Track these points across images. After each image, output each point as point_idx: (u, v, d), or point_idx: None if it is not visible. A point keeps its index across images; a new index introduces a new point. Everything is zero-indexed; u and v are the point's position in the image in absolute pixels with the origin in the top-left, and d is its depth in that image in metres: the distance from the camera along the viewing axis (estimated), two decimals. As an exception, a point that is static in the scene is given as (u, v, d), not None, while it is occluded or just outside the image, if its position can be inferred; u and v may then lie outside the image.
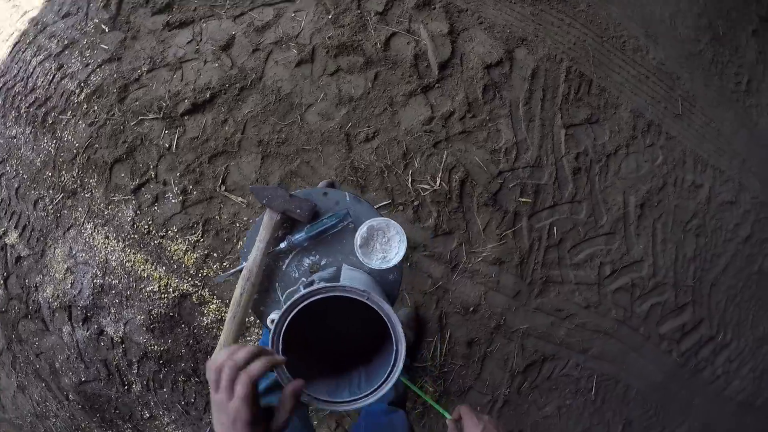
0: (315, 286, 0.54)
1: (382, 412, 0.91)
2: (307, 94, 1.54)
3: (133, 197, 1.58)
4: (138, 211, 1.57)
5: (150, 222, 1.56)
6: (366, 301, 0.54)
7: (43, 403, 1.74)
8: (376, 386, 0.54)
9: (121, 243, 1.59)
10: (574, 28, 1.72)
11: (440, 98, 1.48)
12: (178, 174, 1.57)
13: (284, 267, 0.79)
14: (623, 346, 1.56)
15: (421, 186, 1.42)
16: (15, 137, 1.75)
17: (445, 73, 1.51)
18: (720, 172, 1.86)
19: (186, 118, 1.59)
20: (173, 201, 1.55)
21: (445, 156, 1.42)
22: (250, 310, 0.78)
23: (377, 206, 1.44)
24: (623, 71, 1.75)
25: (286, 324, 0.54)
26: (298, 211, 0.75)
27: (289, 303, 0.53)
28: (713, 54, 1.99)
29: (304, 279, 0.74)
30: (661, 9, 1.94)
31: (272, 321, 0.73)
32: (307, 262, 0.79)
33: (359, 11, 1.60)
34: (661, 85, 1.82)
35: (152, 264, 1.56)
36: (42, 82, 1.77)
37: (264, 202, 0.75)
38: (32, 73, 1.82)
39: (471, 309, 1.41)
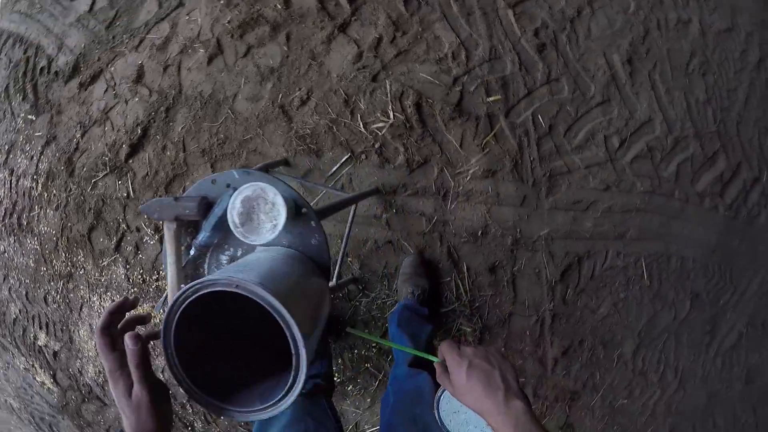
0: (183, 290, 0.44)
1: (406, 377, 0.84)
2: (228, 86, 1.42)
3: (118, 254, 1.60)
4: (127, 266, 1.59)
5: (141, 271, 1.57)
6: (234, 290, 0.42)
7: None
8: (275, 399, 0.45)
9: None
10: None
11: (361, 30, 1.32)
12: (145, 216, 1.56)
13: (205, 272, 0.69)
14: (662, 218, 1.36)
15: (376, 126, 1.26)
16: (4, 252, 1.84)
17: (357, 3, 1.34)
18: (704, 0, 1.63)
19: (131, 161, 1.58)
20: (151, 242, 1.55)
21: (388, 86, 1.26)
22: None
23: (338, 165, 1.30)
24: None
25: (173, 336, 0.45)
26: (187, 211, 0.66)
27: (166, 315, 0.44)
28: None
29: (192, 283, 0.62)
30: None
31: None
32: (224, 258, 0.69)
33: (249, -19, 1.45)
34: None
35: (161, 309, 1.58)
36: (3, 192, 1.84)
37: (155, 216, 0.67)
38: None
39: (479, 232, 1.25)
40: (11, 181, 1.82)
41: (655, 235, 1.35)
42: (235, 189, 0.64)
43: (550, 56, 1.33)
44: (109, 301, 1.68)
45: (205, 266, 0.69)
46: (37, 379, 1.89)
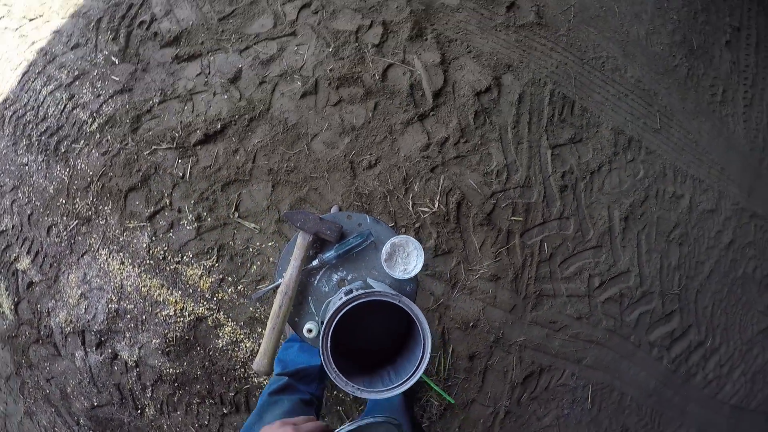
0: (356, 293, 0.64)
1: None
2: (312, 124, 1.64)
3: (148, 224, 1.63)
4: (153, 238, 1.60)
5: (165, 248, 1.60)
6: (398, 303, 0.64)
7: (52, 429, 1.75)
8: (410, 374, 0.64)
9: (136, 269, 1.64)
10: (555, 52, 1.85)
11: (435, 125, 1.59)
12: (192, 201, 1.64)
13: (316, 282, 0.89)
14: (615, 355, 1.65)
15: (421, 209, 1.51)
16: (27, 164, 1.77)
17: (439, 101, 1.61)
18: (699, 181, 1.98)
19: (198, 148, 1.66)
20: (188, 228, 1.61)
21: (442, 180, 1.52)
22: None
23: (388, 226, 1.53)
24: (603, 91, 1.88)
25: (334, 324, 0.63)
26: (328, 232, 0.86)
27: (338, 305, 0.63)
28: (688, 68, 2.13)
29: (343, 289, 0.83)
30: (637, 28, 2.07)
31: (309, 330, 0.84)
32: (335, 277, 0.89)
33: (357, 44, 1.70)
34: (640, 102, 1.94)
35: (168, 289, 1.61)
36: (53, 111, 1.78)
37: (298, 225, 0.86)
38: (43, 102, 1.85)
39: (471, 324, 1.50)
40: (67, 105, 1.77)
41: (606, 367, 1.62)
42: (366, 229, 0.85)
43: (567, 197, 1.63)
44: (119, 262, 1.62)
45: (317, 277, 0.89)
46: (-7, 296, 1.72)
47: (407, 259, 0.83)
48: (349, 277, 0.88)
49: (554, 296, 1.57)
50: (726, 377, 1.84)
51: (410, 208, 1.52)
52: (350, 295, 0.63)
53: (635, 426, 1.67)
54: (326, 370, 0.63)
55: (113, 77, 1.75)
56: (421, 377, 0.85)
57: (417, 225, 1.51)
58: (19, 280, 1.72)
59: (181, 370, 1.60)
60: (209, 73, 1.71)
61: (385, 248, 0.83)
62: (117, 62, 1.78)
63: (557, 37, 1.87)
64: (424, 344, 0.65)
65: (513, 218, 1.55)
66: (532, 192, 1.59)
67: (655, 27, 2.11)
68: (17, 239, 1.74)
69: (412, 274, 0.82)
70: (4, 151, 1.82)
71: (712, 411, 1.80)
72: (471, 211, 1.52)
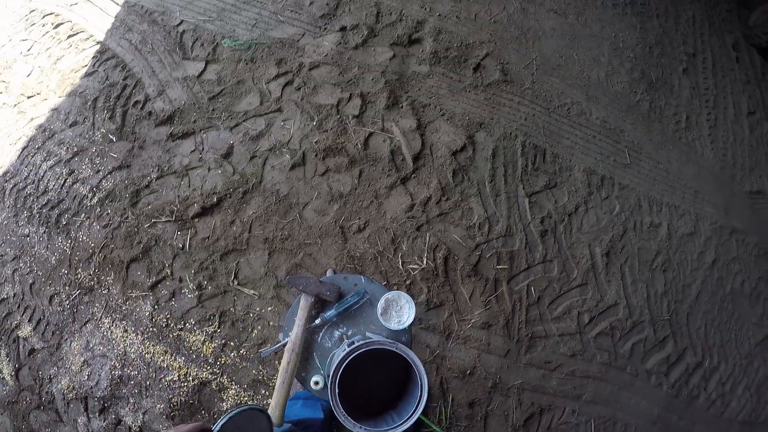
0: (357, 344, 0.74)
1: None
2: (302, 194, 1.78)
3: (150, 293, 1.70)
4: (156, 306, 1.66)
5: (168, 316, 1.65)
6: (395, 350, 0.73)
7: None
8: (410, 413, 0.73)
9: (140, 336, 1.69)
10: (523, 105, 2.02)
11: (417, 186, 1.73)
12: (192, 271, 1.73)
13: (319, 339, 1.00)
14: (614, 387, 1.69)
15: (411, 266, 1.62)
16: (28, 236, 1.82)
17: (418, 164, 1.76)
18: (675, 207, 2.09)
19: (196, 220, 1.77)
20: (190, 296, 1.69)
21: (427, 237, 1.64)
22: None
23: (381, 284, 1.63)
24: (571, 135, 2.03)
25: (341, 372, 0.73)
26: (328, 293, 0.97)
27: (341, 355, 0.73)
28: (650, 101, 2.29)
29: (345, 342, 0.93)
30: (596, 71, 2.25)
31: (315, 383, 0.93)
32: (336, 333, 1.00)
33: (339, 116, 1.88)
34: (608, 141, 2.09)
35: (171, 355, 1.66)
36: (54, 185, 1.85)
37: (300, 288, 0.97)
38: (43, 176, 1.94)
39: (468, 372, 1.56)
40: (67, 180, 1.85)
41: (606, 401, 1.66)
42: (362, 288, 0.96)
43: (548, 241, 1.74)
44: (122, 330, 1.67)
45: (320, 334, 0.99)
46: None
47: (400, 311, 0.94)
48: (349, 333, 0.98)
49: (546, 337, 1.64)
50: (730, 394, 1.85)
51: (400, 266, 1.62)
52: (353, 346, 0.73)
53: (644, 457, 1.68)
54: (335, 413, 0.71)
55: (111, 154, 1.84)
56: (424, 421, 0.93)
57: (408, 282, 1.61)
58: (20, 347, 1.74)
59: (191, 437, 1.63)
60: (203, 149, 1.85)
61: (380, 303, 0.93)
62: (114, 139, 1.88)
63: (523, 91, 2.05)
64: (421, 383, 0.74)
65: (498, 267, 1.65)
66: (514, 240, 1.70)
67: (614, 67, 2.30)
68: (19, 307, 1.76)
69: (406, 324, 0.92)
70: (5, 222, 1.90)
71: (720, 431, 1.80)
72: (458, 264, 1.63)
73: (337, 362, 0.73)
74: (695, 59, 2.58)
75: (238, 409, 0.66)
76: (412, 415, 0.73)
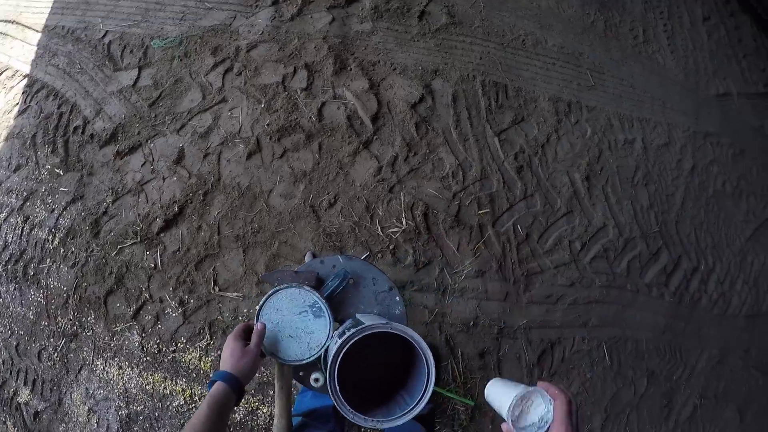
0: (348, 333, 0.66)
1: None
2: (264, 181, 1.68)
3: (134, 322, 1.62)
4: (143, 334, 1.59)
5: (158, 341, 1.59)
6: (390, 330, 0.66)
7: None
8: (418, 398, 0.67)
9: (135, 369, 1.62)
10: (476, 45, 1.93)
11: (381, 147, 1.64)
12: (171, 288, 1.64)
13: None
14: (617, 307, 1.68)
15: (391, 230, 1.55)
16: (0, 296, 1.75)
17: (378, 124, 1.67)
18: (646, 121, 2.06)
19: (162, 235, 1.68)
20: (174, 315, 1.61)
21: (402, 197, 1.56)
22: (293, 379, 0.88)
23: (362, 258, 1.55)
24: (531, 66, 1.96)
25: (337, 369, 0.66)
26: (306, 283, 0.87)
27: (334, 350, 0.66)
28: (604, 20, 2.23)
29: (336, 332, 0.83)
30: (546, 0, 2.17)
31: (315, 380, 0.85)
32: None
33: (286, 93, 1.76)
34: (568, 66, 2.03)
35: (171, 379, 1.59)
36: (12, 237, 1.77)
37: (276, 284, 0.86)
38: None
39: (471, 323, 1.52)
40: (24, 228, 1.76)
41: (612, 322, 1.65)
42: (341, 269, 0.87)
43: (526, 176, 1.68)
44: (117, 367, 1.62)
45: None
46: (3, 438, 1.69)
47: (536, 409, 0.62)
48: (338, 318, 0.90)
49: (542, 272, 1.60)
50: (730, 292, 1.88)
51: (380, 233, 1.55)
52: (344, 337, 0.66)
53: (659, 365, 1.69)
54: (342, 413, 0.65)
55: (62, 188, 1.76)
56: (435, 390, 0.86)
57: (391, 246, 1.54)
58: (24, 413, 1.68)
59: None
60: (153, 160, 1.74)
61: (509, 410, 0.62)
62: (62, 173, 1.79)
63: (473, 30, 1.95)
64: (426, 360, 0.67)
65: (480, 212, 1.59)
66: (491, 182, 1.64)
67: (562, -8, 2.22)
68: (11, 373, 1.71)
69: (547, 426, 0.60)
70: (-29, 288, 1.78)
71: (727, 327, 1.83)
72: (439, 218, 1.56)
73: (330, 361, 0.66)
74: (642, -28, 2.52)
75: (269, 293, 0.74)
76: (421, 398, 0.68)
